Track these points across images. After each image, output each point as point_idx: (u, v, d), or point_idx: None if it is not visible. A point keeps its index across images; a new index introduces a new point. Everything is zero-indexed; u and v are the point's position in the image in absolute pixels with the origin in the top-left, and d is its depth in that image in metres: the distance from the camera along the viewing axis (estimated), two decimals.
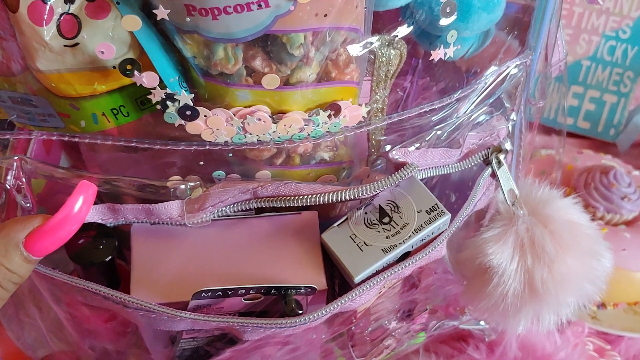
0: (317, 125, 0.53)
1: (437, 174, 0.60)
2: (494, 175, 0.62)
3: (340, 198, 0.54)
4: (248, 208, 0.55)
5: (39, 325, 0.65)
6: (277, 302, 0.55)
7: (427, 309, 0.70)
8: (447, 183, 0.68)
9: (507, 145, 0.62)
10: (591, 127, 1.14)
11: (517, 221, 0.61)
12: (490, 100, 0.61)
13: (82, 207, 0.48)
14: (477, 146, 0.62)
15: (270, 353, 0.60)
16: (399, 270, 0.55)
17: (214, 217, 0.55)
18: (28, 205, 0.54)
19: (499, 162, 0.61)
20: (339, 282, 0.57)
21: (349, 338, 0.65)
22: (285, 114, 0.52)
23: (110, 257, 0.53)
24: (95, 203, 0.54)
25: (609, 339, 0.85)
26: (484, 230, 0.61)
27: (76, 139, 0.53)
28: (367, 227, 0.56)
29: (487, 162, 0.61)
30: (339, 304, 0.54)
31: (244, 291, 0.52)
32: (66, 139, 0.53)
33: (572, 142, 1.11)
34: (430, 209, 0.56)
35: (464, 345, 0.80)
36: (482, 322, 0.78)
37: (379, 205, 0.56)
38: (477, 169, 0.64)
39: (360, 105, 0.54)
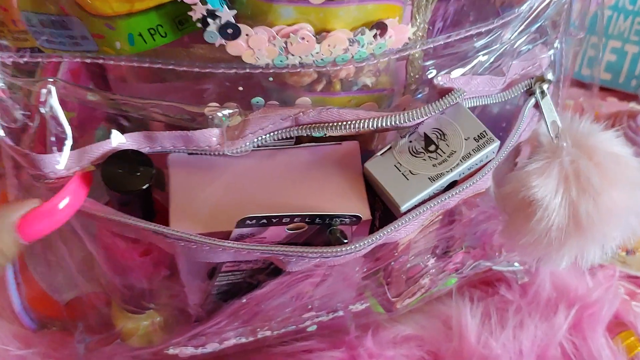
0: (362, 46, 0.49)
1: (481, 103, 0.57)
2: (536, 106, 0.58)
3: (386, 124, 0.51)
4: (288, 137, 0.52)
5: (68, 264, 0.62)
6: (320, 234, 0.52)
7: (462, 248, 0.67)
8: (485, 119, 0.65)
9: (550, 76, 0.60)
10: (612, 78, 1.11)
11: (561, 153, 0.58)
12: (534, 28, 0.58)
13: (78, 192, 0.48)
14: (519, 76, 0.59)
15: (306, 290, 0.58)
16: (445, 199, 0.52)
17: (254, 146, 0.52)
18: (62, 135, 0.51)
19: (542, 93, 0.58)
20: (380, 214, 0.54)
21: (387, 275, 0.62)
22: (329, 32, 0.48)
23: (147, 185, 0.50)
24: (128, 131, 0.51)
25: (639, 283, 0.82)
26: (527, 163, 0.59)
27: (111, 62, 0.49)
28: (412, 155, 0.53)
29: (530, 93, 0.59)
30: (385, 232, 0.51)
31: (288, 219, 0.50)
32: (101, 62, 0.49)
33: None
34: (478, 136, 0.53)
35: (496, 288, 0.78)
36: (516, 264, 0.75)
37: (424, 133, 0.53)
38: (514, 107, 0.61)
39: (406, 25, 0.51)
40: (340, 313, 0.66)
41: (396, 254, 0.57)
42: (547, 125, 0.58)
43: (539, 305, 0.76)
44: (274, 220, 0.49)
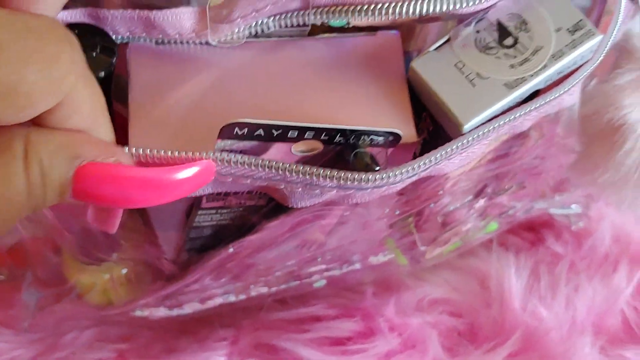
0: None
1: None
2: None
3: (442, 7, 0.33)
4: (299, 23, 0.34)
5: None
6: (341, 160, 0.34)
7: (512, 187, 0.49)
8: None
9: None
10: None
11: None
12: None
13: (190, 180, 0.29)
14: None
15: (315, 237, 0.40)
16: (521, 115, 0.35)
17: (249, 33, 0.34)
18: None
19: None
20: (427, 135, 0.37)
21: (420, 221, 0.45)
22: None
23: (103, 73, 0.32)
24: (69, 7, 0.33)
25: None
26: (616, 74, 0.41)
27: None
28: (481, 51, 0.35)
29: None
30: (435, 158, 0.33)
31: (296, 132, 0.32)
32: None
33: None
34: (573, 26, 0.35)
35: (541, 236, 0.60)
36: (573, 206, 0.57)
37: (498, 20, 0.35)
38: None
39: None
40: (357, 266, 0.48)
41: (441, 192, 0.39)
42: None
43: (595, 262, 0.59)
44: (275, 133, 0.31)
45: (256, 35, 0.35)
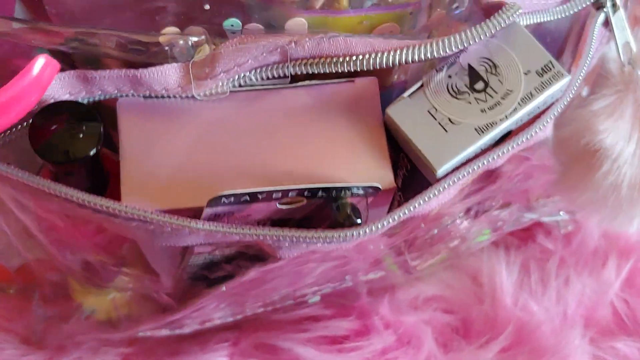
0: None
1: (534, 21, 0.40)
2: (606, 23, 0.42)
3: (415, 57, 0.36)
4: (281, 74, 0.37)
5: (6, 231, 0.47)
6: (324, 207, 0.37)
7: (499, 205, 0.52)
8: None
9: None
10: None
11: (636, 86, 0.42)
12: None
13: (45, 69, 0.32)
14: None
15: (308, 271, 0.43)
16: (494, 158, 0.37)
17: (234, 86, 0.37)
18: None
19: (614, 6, 0.42)
20: (404, 174, 0.39)
21: (408, 244, 0.48)
22: None
23: (94, 151, 0.35)
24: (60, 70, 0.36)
25: None
26: (592, 100, 0.43)
27: None
28: (453, 96, 0.37)
29: (598, 6, 0.42)
30: (412, 208, 0.36)
31: (280, 194, 0.35)
32: None
33: None
34: (542, 68, 0.37)
35: (532, 234, 0.63)
36: (561, 213, 0.60)
37: (469, 64, 0.38)
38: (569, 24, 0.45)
39: None
40: (350, 284, 0.52)
41: (422, 226, 0.42)
42: (619, 49, 0.43)
43: (584, 257, 0.62)
44: (261, 197, 0.34)
45: (240, 86, 0.37)
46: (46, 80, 0.33)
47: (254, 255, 0.40)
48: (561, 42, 0.42)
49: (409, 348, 0.57)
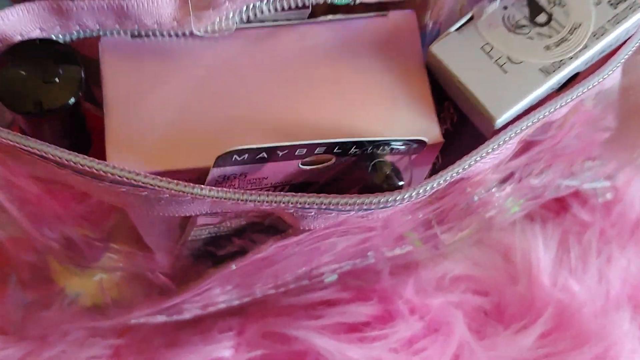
0: None
1: None
2: None
3: None
4: (297, 5, 0.30)
5: None
6: (353, 168, 0.30)
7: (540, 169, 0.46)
8: None
9: None
10: None
11: None
12: None
13: None
14: None
15: (328, 246, 0.37)
16: (561, 105, 0.31)
17: (240, 20, 0.30)
18: None
19: None
20: (450, 125, 0.33)
21: (442, 215, 0.41)
22: None
23: (73, 99, 0.28)
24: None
25: None
26: None
27: None
28: (511, 31, 0.31)
29: None
30: (466, 166, 0.29)
31: (305, 150, 0.28)
32: None
33: None
34: None
35: (566, 204, 0.57)
36: (601, 179, 0.54)
37: None
38: None
39: None
40: (372, 260, 0.45)
41: (468, 190, 0.36)
42: None
43: (626, 229, 0.56)
44: (280, 154, 0.28)
45: (248, 21, 0.31)
46: None
47: (269, 227, 0.33)
48: None
49: (438, 336, 0.51)
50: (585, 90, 0.31)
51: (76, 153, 0.28)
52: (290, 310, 0.51)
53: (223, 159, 0.27)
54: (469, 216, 0.44)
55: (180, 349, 0.50)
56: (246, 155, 0.27)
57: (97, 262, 0.41)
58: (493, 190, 0.41)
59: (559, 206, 0.56)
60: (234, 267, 0.34)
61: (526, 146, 0.37)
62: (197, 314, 0.45)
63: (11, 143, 0.28)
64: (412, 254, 0.49)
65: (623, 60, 0.32)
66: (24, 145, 0.28)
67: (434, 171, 0.34)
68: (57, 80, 0.28)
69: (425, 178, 0.29)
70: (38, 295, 0.48)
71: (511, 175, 0.41)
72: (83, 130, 0.32)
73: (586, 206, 0.56)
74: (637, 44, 0.32)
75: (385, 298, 0.51)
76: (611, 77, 0.33)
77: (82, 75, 0.29)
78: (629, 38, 0.32)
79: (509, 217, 0.52)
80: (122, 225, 0.38)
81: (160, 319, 0.44)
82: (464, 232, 0.50)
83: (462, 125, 0.32)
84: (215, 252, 0.36)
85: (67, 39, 0.30)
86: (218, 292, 0.39)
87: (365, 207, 0.28)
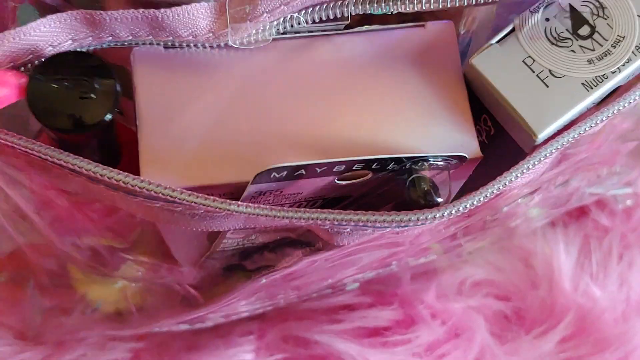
0: None
1: None
2: None
3: None
4: (337, 15, 0.29)
5: None
6: (388, 182, 0.30)
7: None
8: None
9: None
10: None
11: None
12: None
13: None
14: None
15: (357, 259, 0.36)
16: (602, 120, 0.30)
17: (277, 32, 0.29)
18: None
19: None
20: (486, 138, 0.32)
21: (468, 227, 0.40)
22: None
23: (110, 116, 0.28)
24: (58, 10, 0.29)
25: None
26: None
27: None
28: (553, 43, 0.30)
29: None
30: (507, 182, 0.29)
31: (343, 167, 0.27)
32: None
33: None
34: None
35: (586, 209, 0.56)
36: (623, 187, 0.53)
37: (570, 5, 0.30)
38: None
39: None
40: (394, 269, 0.45)
41: (500, 203, 0.35)
42: None
43: None
44: (319, 170, 0.27)
45: (284, 33, 0.30)
46: None
47: (298, 240, 0.33)
48: None
49: (460, 340, 0.50)
50: (627, 104, 0.30)
51: (111, 168, 0.27)
52: (310, 314, 0.51)
53: (261, 176, 0.27)
54: (494, 227, 0.44)
55: (200, 352, 0.50)
56: (284, 172, 0.27)
57: (117, 272, 0.40)
58: (520, 201, 0.41)
59: (580, 212, 0.56)
60: (264, 280, 0.33)
61: (559, 159, 0.36)
62: (219, 322, 0.44)
63: (43, 157, 0.27)
64: (435, 262, 0.48)
65: None
66: (58, 159, 0.27)
67: (467, 184, 0.33)
68: (93, 95, 0.28)
69: (460, 192, 0.29)
70: (57, 301, 0.48)
71: (540, 186, 0.41)
72: (114, 142, 0.31)
73: (606, 211, 0.55)
74: None
75: (407, 303, 0.51)
76: None
77: (118, 89, 0.28)
78: None
79: (533, 225, 0.51)
80: (145, 236, 0.37)
81: (183, 327, 0.43)
82: (485, 240, 0.49)
83: (499, 138, 0.31)
84: (243, 264, 0.36)
85: (97, 47, 0.30)
86: (243, 303, 0.39)
87: (403, 224, 0.28)
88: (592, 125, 0.29)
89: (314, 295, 0.45)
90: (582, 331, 0.51)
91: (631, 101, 0.30)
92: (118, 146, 0.31)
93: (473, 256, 0.53)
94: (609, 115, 0.30)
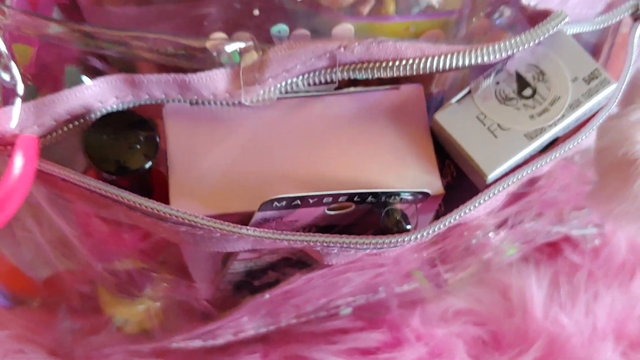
0: None
1: (577, 31, 0.40)
2: None
3: (464, 62, 0.36)
4: (327, 80, 0.37)
5: (40, 240, 0.47)
6: (369, 213, 0.37)
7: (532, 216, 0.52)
8: None
9: None
10: None
11: None
12: None
13: (26, 166, 0.32)
14: None
15: (346, 281, 0.43)
16: (542, 164, 0.37)
17: (280, 92, 0.36)
18: (11, 81, 0.35)
19: None
20: (450, 181, 0.39)
21: (443, 256, 0.47)
22: None
23: (150, 163, 0.35)
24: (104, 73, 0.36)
25: None
26: (630, 110, 0.43)
27: None
28: (501, 102, 0.37)
29: (636, 17, 0.42)
30: (462, 213, 0.36)
31: (331, 199, 0.34)
32: None
33: None
34: (589, 76, 0.37)
35: (559, 248, 0.63)
36: (589, 227, 0.60)
37: (516, 72, 0.37)
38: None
39: None
40: (382, 295, 0.51)
41: (466, 234, 0.42)
42: None
43: (612, 271, 0.62)
44: (312, 201, 0.34)
45: (285, 93, 0.37)
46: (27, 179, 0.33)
47: (298, 262, 0.39)
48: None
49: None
50: (563, 152, 0.37)
51: (147, 198, 0.34)
52: (309, 337, 0.57)
53: (265, 205, 0.34)
54: (468, 257, 0.50)
55: None
56: (284, 202, 0.34)
57: (142, 292, 0.47)
58: (489, 234, 0.48)
59: (553, 250, 0.62)
60: (267, 295, 0.40)
61: (516, 197, 0.43)
62: (229, 340, 0.51)
63: (94, 189, 0.35)
64: (419, 291, 0.55)
65: (596, 127, 0.38)
66: (105, 191, 0.34)
67: (437, 217, 0.40)
68: (138, 146, 0.35)
69: (429, 223, 0.36)
70: (86, 322, 0.54)
71: (505, 221, 0.48)
72: (148, 183, 0.38)
73: (577, 250, 0.62)
74: (607, 113, 0.38)
75: (394, 327, 0.57)
76: (586, 140, 0.40)
77: (158, 140, 0.35)
78: (600, 109, 0.38)
79: (506, 259, 0.58)
80: (169, 257, 0.44)
81: (197, 343, 0.50)
82: (465, 272, 0.56)
83: (460, 179, 0.38)
84: (254, 283, 0.42)
85: (136, 104, 0.37)
86: (250, 318, 0.45)
87: (379, 246, 0.35)
88: (534, 168, 0.36)
89: (312, 317, 0.51)
90: (552, 354, 0.57)
91: (567, 149, 0.37)
92: (150, 183, 0.38)
93: (455, 288, 0.59)
94: (548, 160, 0.37)
